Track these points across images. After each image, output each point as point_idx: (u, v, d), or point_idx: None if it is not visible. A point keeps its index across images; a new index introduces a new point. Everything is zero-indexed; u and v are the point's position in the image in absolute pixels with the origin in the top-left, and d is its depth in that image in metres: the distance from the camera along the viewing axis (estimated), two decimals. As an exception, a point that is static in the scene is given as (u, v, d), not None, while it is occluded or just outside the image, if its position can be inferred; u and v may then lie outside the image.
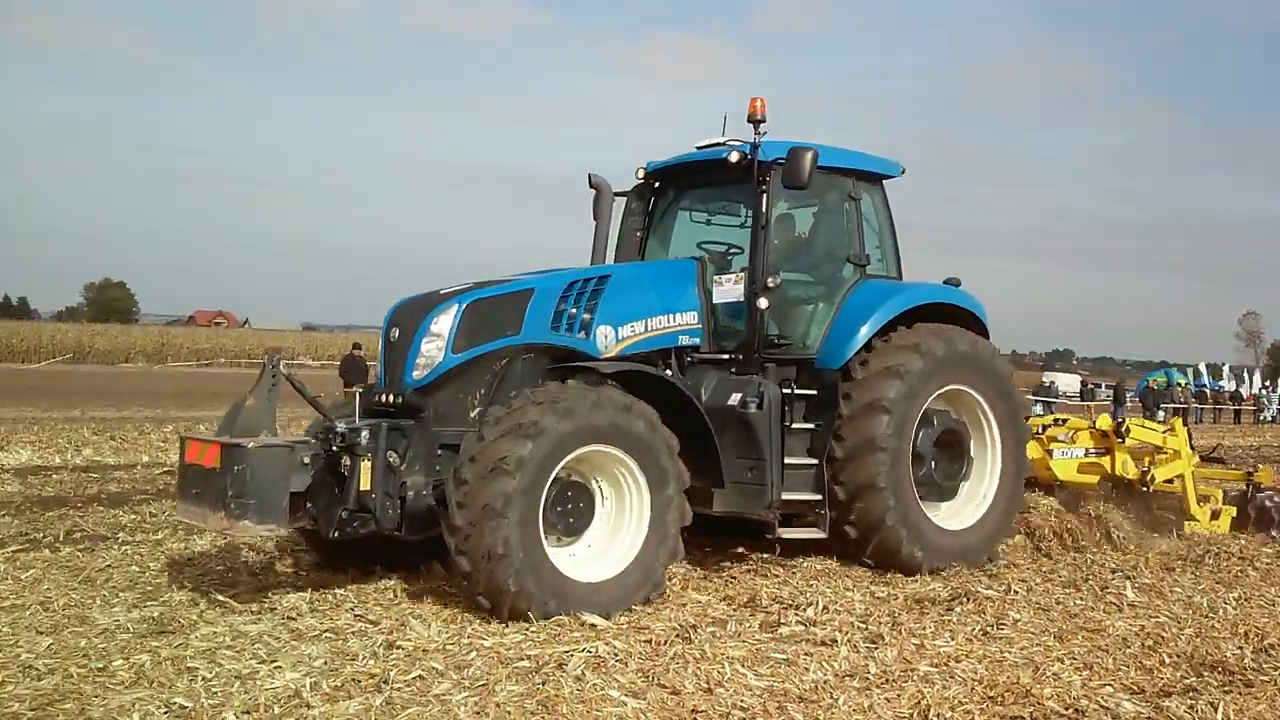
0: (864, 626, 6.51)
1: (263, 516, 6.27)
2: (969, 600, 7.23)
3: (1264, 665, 6.01)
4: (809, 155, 7.81)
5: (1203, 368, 55.84)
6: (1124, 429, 10.29)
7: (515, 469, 6.26)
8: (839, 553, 8.39)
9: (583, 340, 7.57)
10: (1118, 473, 10.31)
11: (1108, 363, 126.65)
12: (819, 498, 8.10)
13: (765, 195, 8.18)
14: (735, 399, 7.86)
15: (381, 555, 7.54)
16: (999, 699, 5.28)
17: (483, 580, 6.30)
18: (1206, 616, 7.09)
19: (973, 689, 5.41)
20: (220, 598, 6.82)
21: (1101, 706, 5.24)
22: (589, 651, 5.71)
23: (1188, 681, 5.65)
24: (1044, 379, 49.16)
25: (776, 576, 7.98)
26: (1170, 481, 10.59)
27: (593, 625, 6.33)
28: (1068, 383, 61.89)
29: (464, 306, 7.14)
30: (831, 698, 5.23)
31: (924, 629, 6.49)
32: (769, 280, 8.09)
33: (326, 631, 6.18)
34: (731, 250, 8.80)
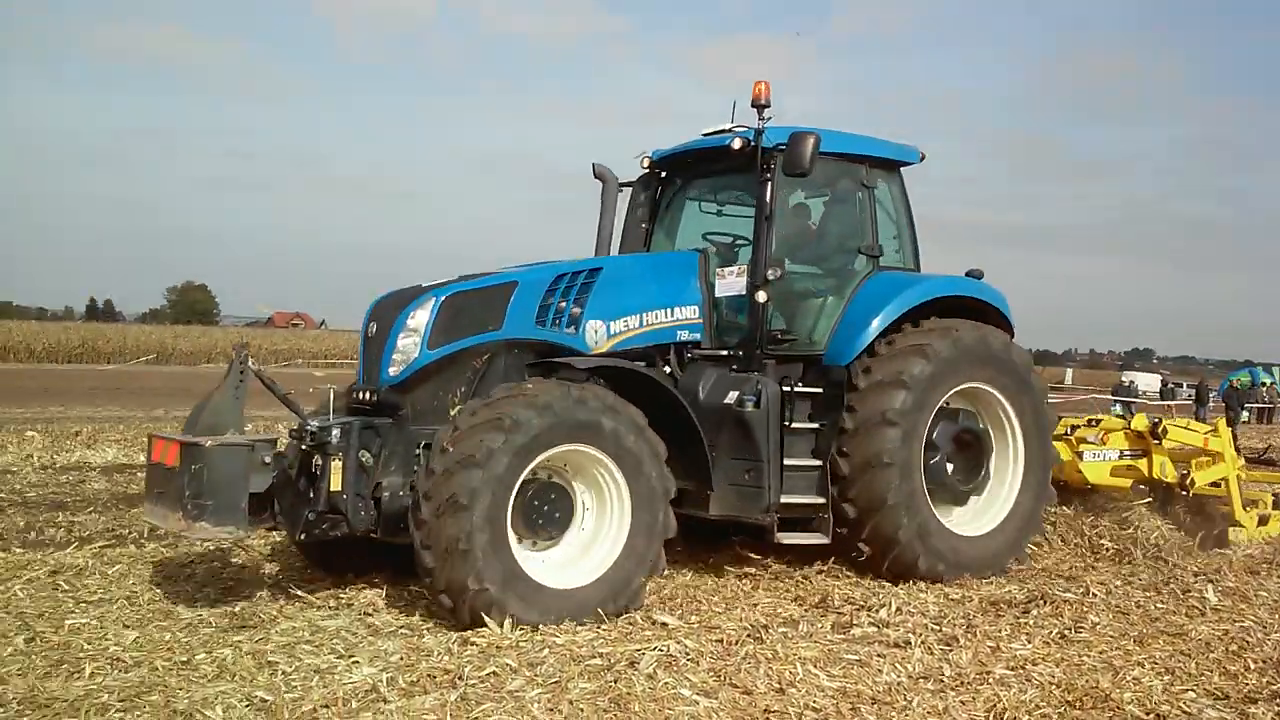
0: (938, 628, 6.43)
1: (220, 518, 6.06)
2: (1046, 603, 7.09)
3: (1355, 672, 5.83)
4: (810, 140, 7.41)
5: (1290, 365, 54.24)
6: (1160, 429, 9.61)
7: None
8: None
9: (571, 335, 7.29)
10: (1155, 476, 9.64)
11: (1189, 362, 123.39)
12: (821, 501, 7.71)
13: (770, 183, 7.78)
14: (731, 397, 7.51)
15: None
16: (1077, 703, 5.20)
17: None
18: (1294, 621, 6.89)
19: (1050, 693, 5.32)
20: (299, 593, 6.94)
21: (1184, 712, 5.13)
22: (661, 650, 5.71)
23: (1274, 687, 5.51)
24: (1123, 378, 48.04)
25: (848, 578, 7.90)
26: (1215, 485, 10.02)
27: (664, 624, 6.33)
28: (1148, 382, 60.35)
29: (441, 300, 6.89)
30: (905, 700, 5.18)
31: (1000, 631, 6.39)
32: (769, 273, 7.73)
33: (402, 628, 6.28)
34: (738, 242, 8.48)
